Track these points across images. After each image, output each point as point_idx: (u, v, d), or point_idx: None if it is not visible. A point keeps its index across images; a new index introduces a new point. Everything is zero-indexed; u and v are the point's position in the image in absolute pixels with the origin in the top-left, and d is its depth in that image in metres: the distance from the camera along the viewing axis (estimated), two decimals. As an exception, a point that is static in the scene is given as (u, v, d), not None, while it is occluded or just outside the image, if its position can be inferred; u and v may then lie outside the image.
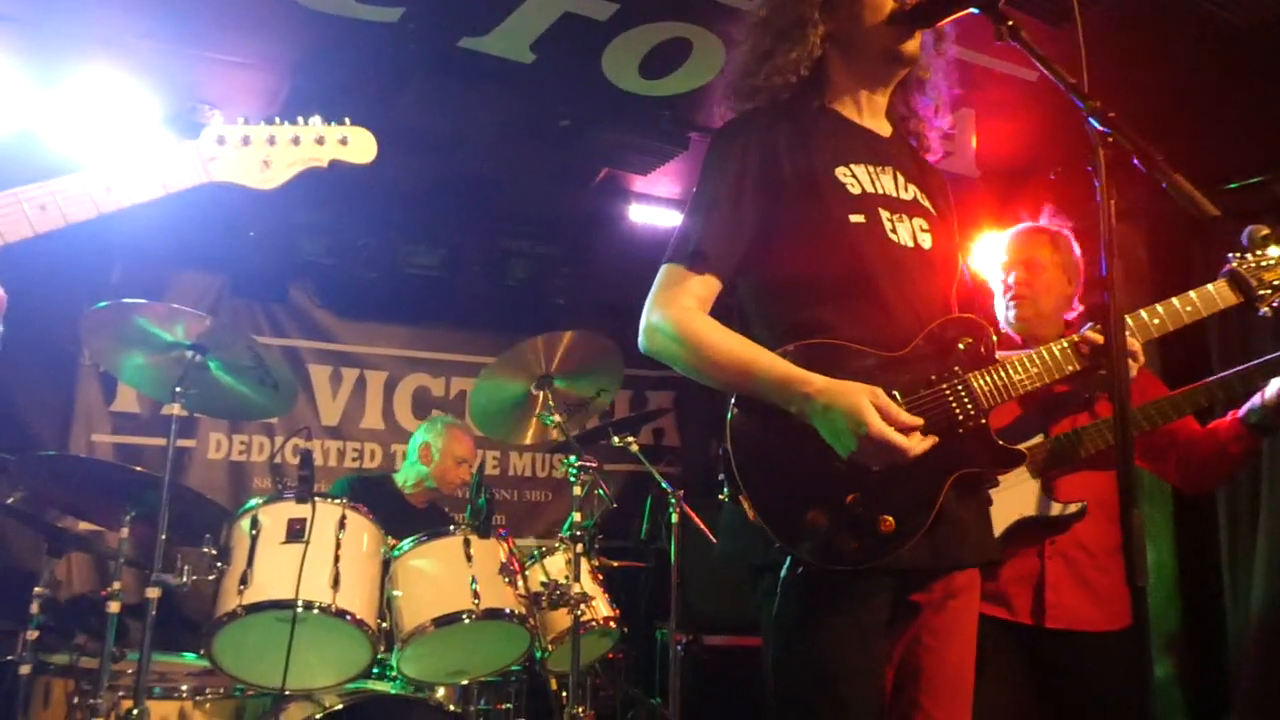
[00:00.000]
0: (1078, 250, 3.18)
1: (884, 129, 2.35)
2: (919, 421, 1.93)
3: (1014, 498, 2.77)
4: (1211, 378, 2.85)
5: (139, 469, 3.73)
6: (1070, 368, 2.16)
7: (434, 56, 4.69)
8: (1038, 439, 2.83)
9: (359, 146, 1.84)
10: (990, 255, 3.37)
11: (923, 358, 2.07)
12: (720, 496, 2.06)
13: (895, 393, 2.00)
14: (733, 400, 2.02)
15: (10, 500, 4.02)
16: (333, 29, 4.45)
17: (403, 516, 4.77)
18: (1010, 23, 2.05)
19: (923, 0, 2.25)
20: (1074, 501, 2.77)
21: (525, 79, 4.84)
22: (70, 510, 4.54)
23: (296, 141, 1.77)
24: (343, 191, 5.86)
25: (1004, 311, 3.17)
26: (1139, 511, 1.76)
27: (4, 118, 4.88)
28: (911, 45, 2.26)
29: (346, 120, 1.86)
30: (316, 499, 3.59)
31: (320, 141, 1.79)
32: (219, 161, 1.70)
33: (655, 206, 6.31)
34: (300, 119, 1.79)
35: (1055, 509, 2.77)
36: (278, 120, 1.78)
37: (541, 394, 4.34)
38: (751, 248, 2.19)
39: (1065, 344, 2.17)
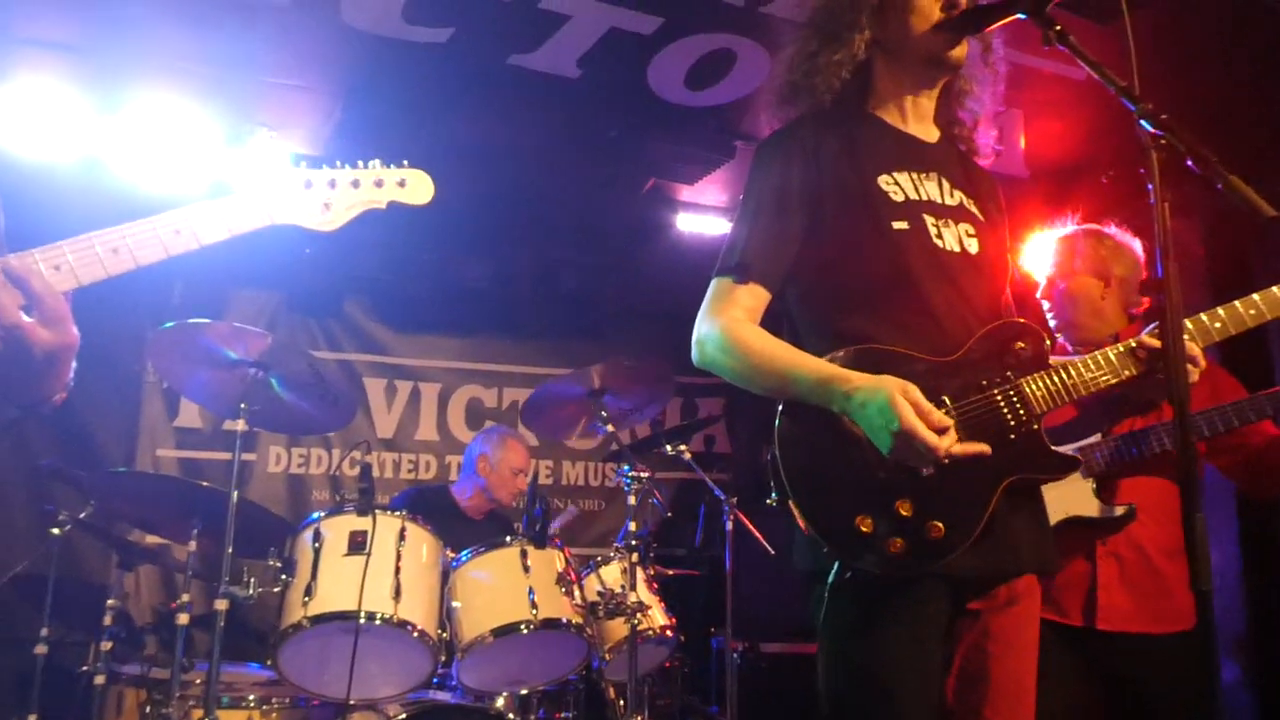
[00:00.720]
0: (1122, 241, 3.14)
1: (930, 134, 2.36)
2: (949, 421, 1.92)
3: (1064, 496, 2.75)
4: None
5: (204, 484, 3.83)
6: (1127, 372, 2.14)
7: (483, 74, 4.77)
8: (1095, 438, 2.80)
9: (416, 188, 1.91)
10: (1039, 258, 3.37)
11: (974, 363, 2.07)
12: (769, 501, 2.08)
13: (945, 398, 2.00)
14: (780, 406, 2.03)
15: (82, 515, 4.15)
16: (384, 50, 4.55)
17: (461, 528, 4.85)
18: (1058, 27, 2.06)
19: (970, 6, 2.26)
20: (1123, 504, 2.74)
21: (572, 93, 4.91)
22: (139, 524, 4.67)
23: (356, 185, 1.84)
24: (395, 207, 5.96)
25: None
26: (1202, 515, 1.76)
27: (69, 145, 5.03)
28: (958, 51, 2.27)
29: (405, 162, 1.92)
30: (377, 511, 3.66)
31: (379, 184, 1.86)
32: (282, 205, 1.77)
33: (703, 215, 6.34)
34: (360, 162, 1.86)
35: (1102, 510, 2.75)
36: (339, 164, 1.84)
37: (594, 404, 4.38)
38: (798, 257, 2.21)
39: (1122, 348, 2.15)
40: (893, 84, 2.33)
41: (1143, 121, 1.94)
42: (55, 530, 4.13)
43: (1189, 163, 1.94)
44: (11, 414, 1.67)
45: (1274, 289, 2.29)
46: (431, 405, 6.93)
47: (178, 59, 4.67)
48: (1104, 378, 2.12)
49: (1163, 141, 1.91)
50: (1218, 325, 2.23)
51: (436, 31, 4.45)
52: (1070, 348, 3.07)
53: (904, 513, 1.93)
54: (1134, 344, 2.15)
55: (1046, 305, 3.18)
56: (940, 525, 1.92)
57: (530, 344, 7.13)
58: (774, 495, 2.03)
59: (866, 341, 2.08)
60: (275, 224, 1.78)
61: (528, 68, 4.73)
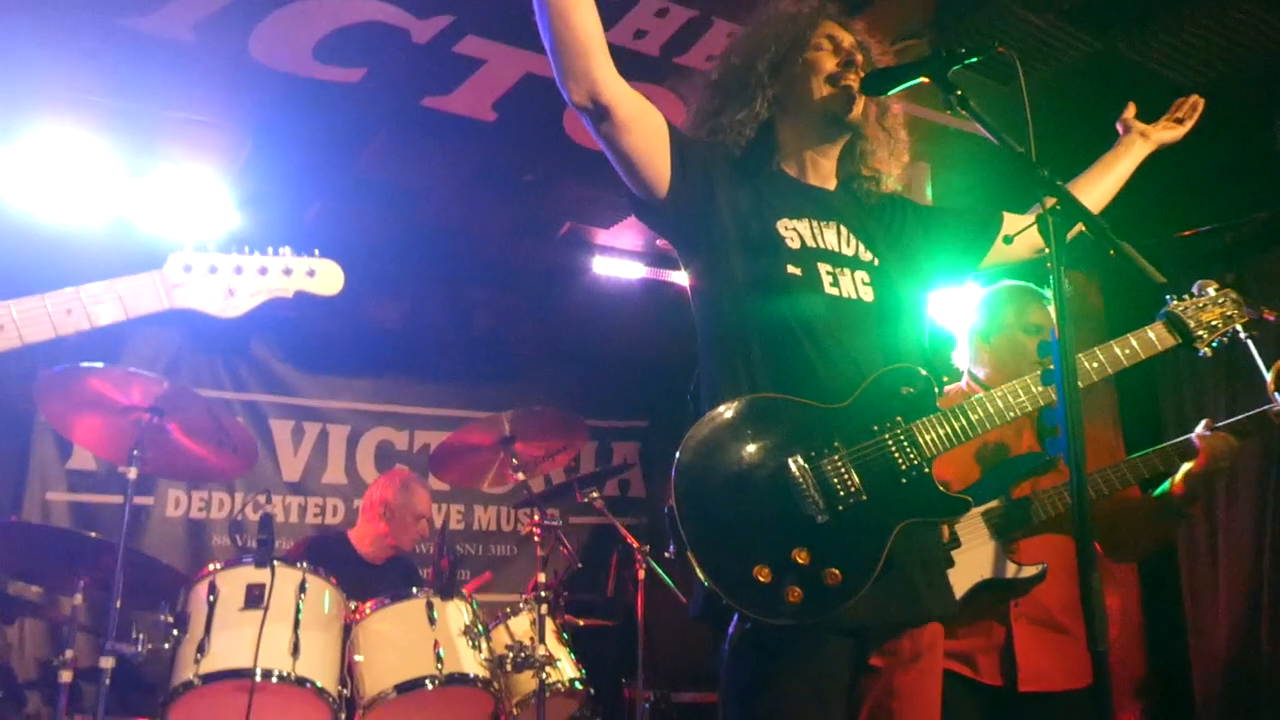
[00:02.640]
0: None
1: (830, 184, 2.40)
2: None
3: (975, 560, 2.78)
4: (1161, 445, 2.90)
5: (93, 535, 3.68)
6: (1011, 414, 2.17)
7: (396, 114, 4.73)
8: (996, 502, 2.84)
9: (326, 279, 1.86)
10: (954, 305, 3.43)
11: (864, 408, 2.08)
12: (666, 554, 2.06)
13: (837, 443, 2.02)
14: (677, 454, 2.01)
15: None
16: (294, 88, 4.47)
17: (363, 574, 4.72)
18: (959, 92, 2.11)
19: (870, 71, 2.31)
20: (1034, 564, 2.78)
21: (488, 136, 4.88)
22: (23, 576, 4.45)
23: (263, 271, 1.78)
24: (301, 244, 5.85)
25: (977, 365, 3.21)
26: (1098, 575, 1.78)
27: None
28: (855, 112, 2.32)
29: (315, 251, 1.87)
30: (276, 563, 3.55)
31: (287, 272, 1.81)
32: (183, 289, 1.71)
33: (619, 259, 6.35)
34: (270, 250, 1.81)
35: (1015, 571, 2.78)
36: (246, 249, 1.78)
37: (503, 454, 4.33)
38: (698, 294, 2.25)
39: (1016, 384, 2.19)
40: (795, 140, 2.38)
41: (1040, 189, 1.99)
42: (-70, 583, 3.91)
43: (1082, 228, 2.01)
44: None
45: (1146, 329, 2.36)
46: (340, 448, 6.77)
47: (76, 90, 4.52)
48: (1000, 414, 2.15)
49: (1058, 208, 1.96)
50: (1095, 365, 2.29)
51: (348, 71, 4.39)
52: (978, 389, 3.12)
53: (801, 560, 1.92)
54: (1029, 379, 2.19)
55: (971, 354, 3.23)
56: (837, 572, 1.92)
57: (443, 386, 7.02)
58: (672, 548, 2.00)
59: (758, 386, 2.09)
60: (175, 307, 1.71)
61: (443, 110, 4.69)
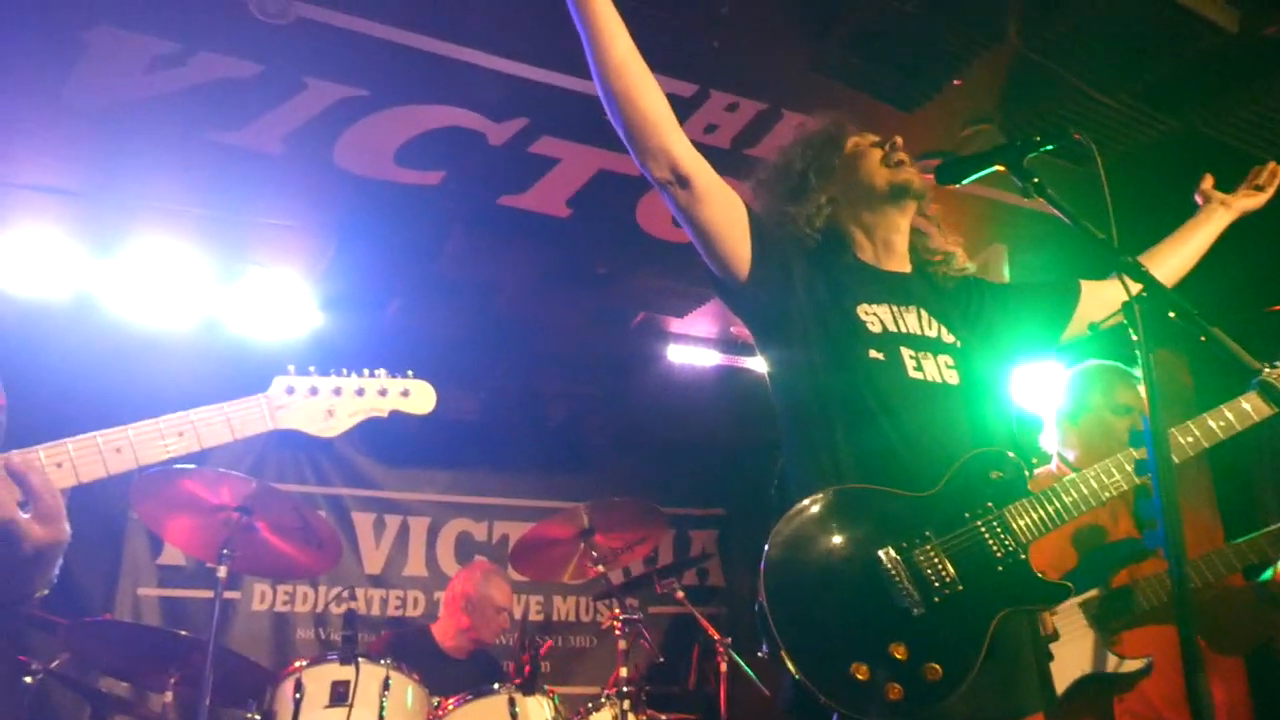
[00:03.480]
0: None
1: (906, 268, 2.40)
2: None
3: (1075, 653, 2.68)
4: (1265, 530, 2.78)
5: (184, 633, 3.73)
6: (1107, 495, 2.12)
7: (473, 214, 4.86)
8: (1094, 591, 2.75)
9: (419, 398, 1.93)
10: (1039, 387, 3.37)
11: (953, 495, 2.04)
12: (760, 654, 2.02)
13: (928, 533, 1.98)
14: (766, 549, 1.99)
15: (54, 664, 4.02)
16: (376, 192, 4.63)
17: (446, 669, 4.72)
18: (1035, 180, 2.11)
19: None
20: (1138, 657, 2.67)
21: (562, 232, 4.99)
22: (114, 673, 4.53)
23: (360, 393, 1.86)
24: (382, 342, 5.98)
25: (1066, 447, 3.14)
26: (1204, 675, 1.71)
27: (63, 283, 5.06)
28: (913, 177, 2.35)
29: (410, 373, 1.94)
30: (360, 660, 3.56)
31: (383, 393, 1.88)
32: (286, 410, 1.79)
33: (693, 346, 6.37)
34: (367, 371, 1.88)
35: (1118, 664, 2.67)
36: (344, 371, 1.86)
37: (582, 544, 4.33)
38: (778, 382, 2.26)
39: (1110, 463, 2.13)
40: (863, 227, 2.40)
41: (1124, 275, 1.97)
42: (28, 679, 3.99)
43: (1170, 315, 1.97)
44: None
45: (1240, 400, 2.28)
46: (420, 540, 6.82)
47: (172, 202, 4.74)
48: (1094, 494, 2.10)
49: (1144, 294, 1.93)
50: (1190, 439, 2.22)
51: (428, 174, 4.54)
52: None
53: (899, 656, 1.88)
54: (1121, 458, 2.13)
55: (1060, 436, 3.17)
56: (937, 667, 1.88)
57: (520, 476, 7.06)
58: (765, 646, 1.97)
59: (845, 477, 2.06)
60: (279, 429, 1.78)
61: (518, 207, 4.81)
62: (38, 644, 4.43)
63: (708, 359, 6.39)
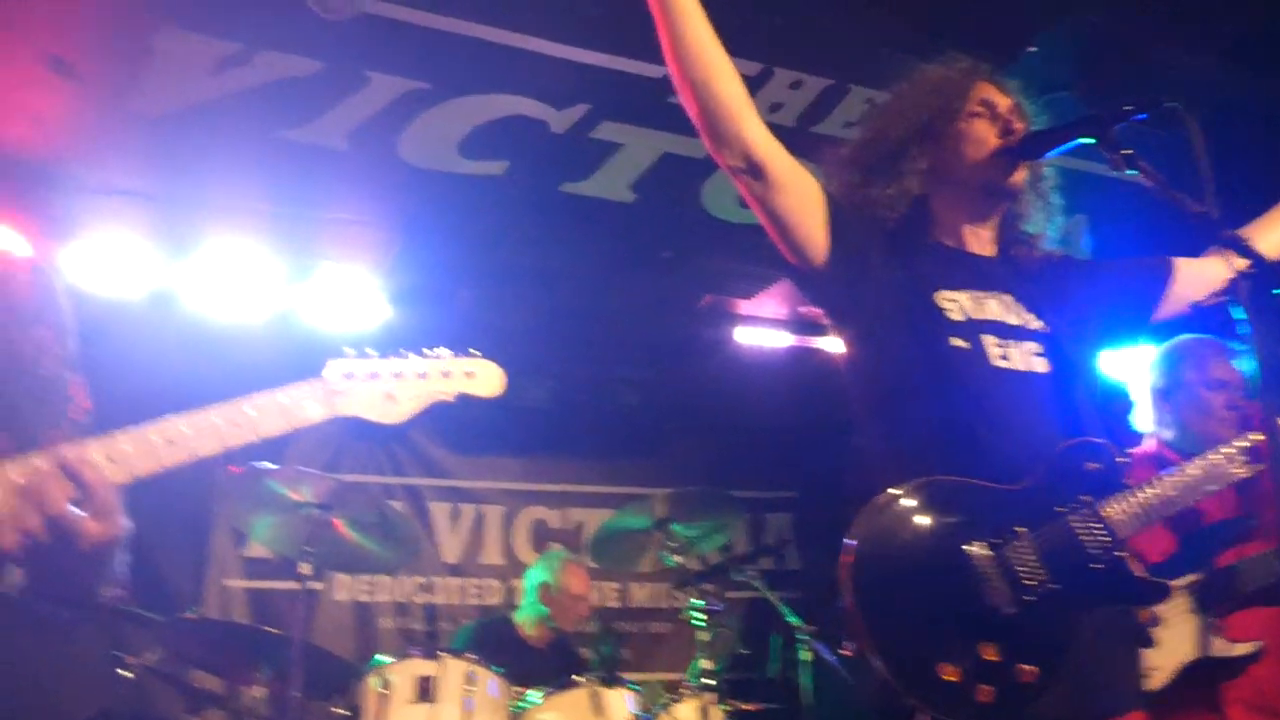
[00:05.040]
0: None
1: (989, 251, 2.29)
2: None
3: (1178, 638, 2.58)
4: None
5: (271, 630, 3.79)
6: (1213, 486, 2.02)
7: (538, 202, 4.84)
8: (1195, 575, 2.64)
9: (485, 379, 1.83)
10: (1130, 365, 3.25)
11: (1045, 488, 1.95)
12: (843, 652, 1.96)
13: (1018, 529, 1.90)
14: (850, 543, 1.92)
15: (149, 659, 4.12)
16: (441, 184, 4.63)
17: (527, 659, 4.73)
18: (1126, 151, 2.01)
19: (1029, 132, 2.22)
20: (1248, 641, 2.55)
21: (626, 217, 4.96)
22: (206, 668, 4.61)
23: (423, 376, 1.77)
24: (451, 332, 6.02)
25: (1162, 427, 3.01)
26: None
27: (141, 283, 5.15)
28: (1016, 177, 2.22)
29: (472, 351, 1.86)
30: (444, 654, 3.58)
31: (447, 375, 1.79)
32: (345, 396, 1.71)
33: (762, 328, 6.30)
34: (426, 351, 1.81)
35: (1225, 648, 2.56)
36: (404, 352, 1.79)
37: (658, 534, 4.30)
38: (856, 374, 2.18)
39: (1219, 456, 2.03)
40: (951, 212, 2.28)
41: (1228, 247, 1.86)
42: (124, 674, 4.09)
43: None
44: (64, 616, 1.62)
45: None
46: (496, 529, 6.85)
47: (242, 200, 4.80)
48: (1199, 485, 2.00)
49: (1249, 269, 1.83)
50: None
51: (491, 164, 4.53)
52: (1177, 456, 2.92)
53: (990, 657, 1.81)
54: (1236, 445, 2.02)
55: (1155, 415, 3.04)
56: (1030, 668, 1.81)
57: (593, 463, 7.04)
58: (848, 644, 1.92)
59: (930, 468, 1.98)
60: (338, 415, 1.72)
61: (582, 194, 4.78)
62: (133, 639, 4.53)
63: (777, 340, 6.31)
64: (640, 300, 5.87)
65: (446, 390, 1.81)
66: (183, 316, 5.28)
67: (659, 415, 6.93)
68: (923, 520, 1.93)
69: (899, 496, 1.94)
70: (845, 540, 1.92)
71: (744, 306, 6.11)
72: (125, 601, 1.65)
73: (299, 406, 1.68)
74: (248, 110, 3.98)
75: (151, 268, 5.10)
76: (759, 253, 5.41)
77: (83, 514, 1.49)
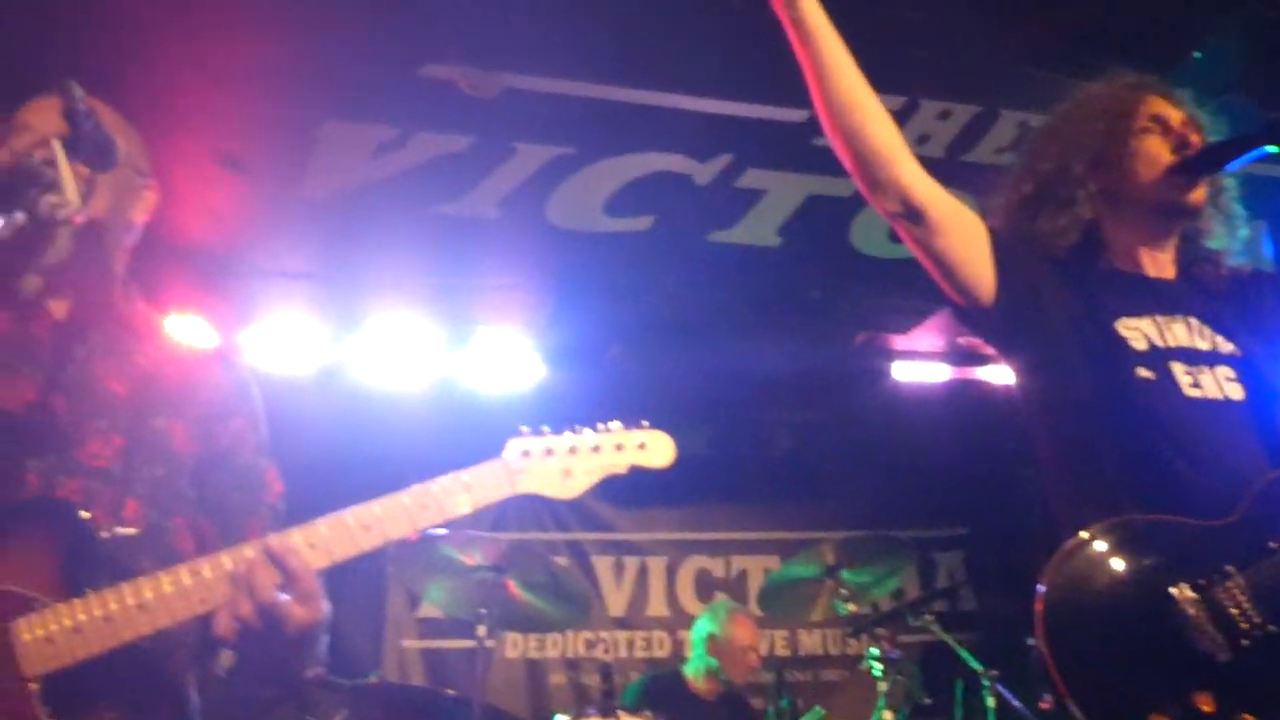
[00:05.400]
0: None
1: (1169, 273, 2.17)
2: None
3: None
4: None
5: (450, 691, 3.87)
6: None
7: (684, 253, 4.88)
8: None
9: (657, 450, 1.86)
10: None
11: (1254, 522, 1.82)
12: (1043, 705, 1.86)
13: (1228, 567, 1.77)
14: (1042, 589, 1.82)
15: (336, 721, 4.26)
16: (589, 244, 4.73)
17: (699, 713, 4.70)
18: (1315, 155, 1.88)
19: (1206, 145, 2.10)
20: None
21: (773, 260, 4.94)
22: (390, 730, 4.75)
23: (597, 450, 1.81)
24: (605, 387, 6.08)
25: None
26: None
27: (311, 359, 5.41)
28: (1196, 195, 2.09)
29: (644, 424, 1.89)
30: (621, 713, 3.58)
31: (620, 448, 1.82)
32: (524, 474, 1.76)
33: (919, 362, 6.15)
34: (601, 426, 1.85)
35: None
36: (578, 428, 1.83)
37: (829, 582, 4.22)
38: (1037, 411, 2.09)
39: None
40: (1126, 236, 2.17)
41: None
42: (313, 739, 4.25)
43: None
44: (270, 693, 1.69)
45: None
46: (660, 580, 6.85)
47: (403, 274, 5.00)
48: None
49: None
50: None
51: (637, 220, 4.59)
52: None
53: (1206, 708, 1.69)
54: None
55: None
56: (1252, 718, 1.69)
57: (752, 509, 6.99)
58: (1047, 695, 1.82)
59: (1121, 506, 1.88)
60: (517, 493, 1.77)
61: (729, 242, 4.79)
62: (320, 703, 4.70)
63: (936, 374, 6.15)
64: (793, 343, 5.82)
65: (620, 463, 1.83)
66: (350, 388, 5.52)
67: (818, 457, 6.84)
68: (1121, 562, 1.83)
69: (1093, 538, 1.84)
70: (1037, 587, 1.83)
71: (899, 341, 5.99)
72: (321, 671, 1.72)
73: (482, 486, 1.73)
74: (405, 189, 4.17)
75: (320, 344, 5.35)
76: (911, 287, 5.32)
77: (289, 600, 1.56)
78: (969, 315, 2.11)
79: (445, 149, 3.97)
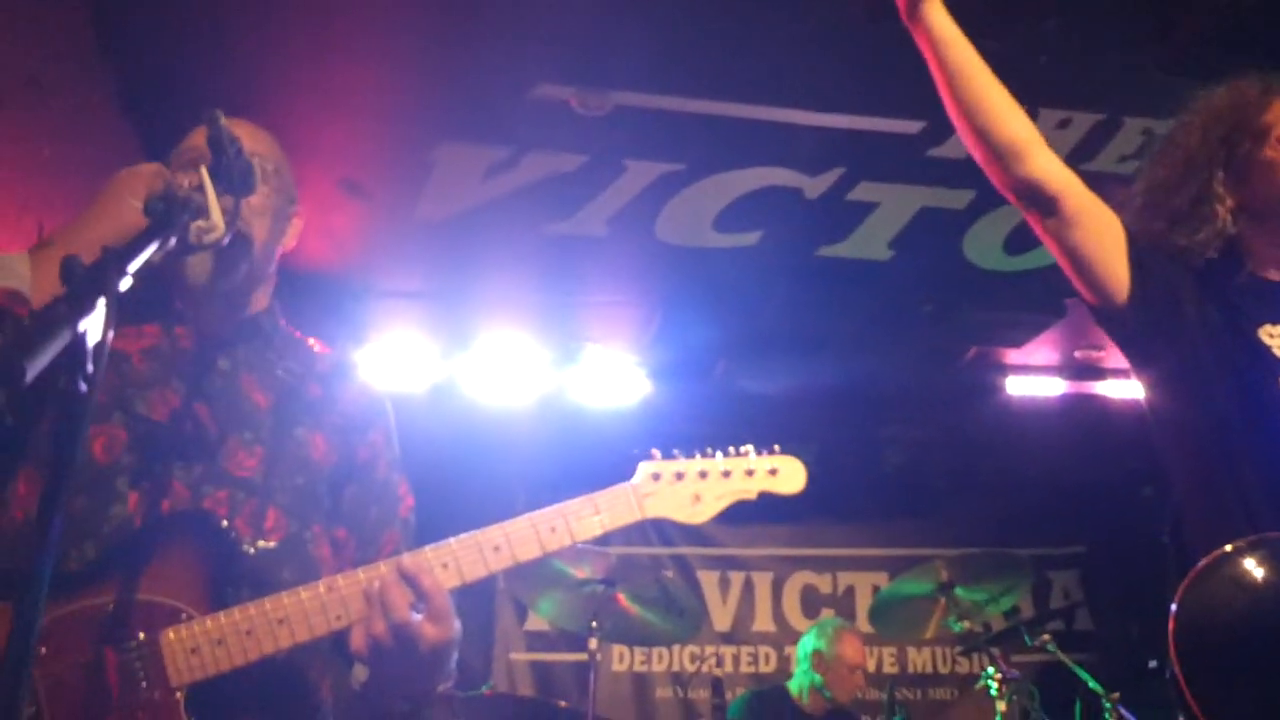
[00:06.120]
0: None
1: None
2: None
3: None
4: None
5: (562, 704, 3.89)
6: None
7: (794, 268, 4.84)
8: None
9: (788, 476, 1.85)
10: None
11: None
12: None
13: None
14: (1175, 609, 1.75)
15: (452, 735, 4.33)
16: (697, 259, 4.73)
17: (804, 729, 4.64)
18: None
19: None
20: None
21: (885, 274, 4.87)
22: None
23: (727, 474, 1.80)
24: (710, 403, 6.06)
25: None
26: None
27: (424, 377, 5.52)
28: None
29: (776, 448, 1.87)
30: (732, 730, 3.56)
31: (750, 474, 1.81)
32: (653, 498, 1.76)
33: (1034, 376, 5.99)
34: (733, 450, 1.83)
35: None
36: (710, 451, 1.83)
37: (943, 599, 4.12)
38: (1169, 423, 2.02)
39: None
40: (1270, 245, 2.09)
41: None
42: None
43: None
44: (403, 707, 1.72)
45: None
46: (766, 595, 6.80)
47: (513, 293, 5.07)
48: None
49: None
50: None
51: (746, 236, 4.58)
52: None
53: None
54: None
55: None
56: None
57: (861, 526, 6.89)
58: (1180, 718, 1.74)
59: (1261, 523, 1.80)
60: (646, 518, 1.78)
61: (839, 256, 4.74)
62: (436, 716, 4.79)
63: (1051, 388, 5.98)
64: (903, 357, 5.73)
65: (750, 489, 1.82)
66: (461, 405, 5.61)
67: (929, 474, 6.72)
68: (1258, 581, 1.75)
69: (1230, 556, 1.76)
70: (1172, 606, 1.76)
71: (1012, 356, 5.83)
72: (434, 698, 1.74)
73: (612, 511, 1.74)
74: (516, 209, 4.23)
75: (432, 362, 5.46)
76: (1026, 300, 5.21)
77: (421, 619, 1.59)
78: (1102, 315, 2.06)
79: (556, 168, 4.02)
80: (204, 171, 1.57)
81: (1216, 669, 1.71)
